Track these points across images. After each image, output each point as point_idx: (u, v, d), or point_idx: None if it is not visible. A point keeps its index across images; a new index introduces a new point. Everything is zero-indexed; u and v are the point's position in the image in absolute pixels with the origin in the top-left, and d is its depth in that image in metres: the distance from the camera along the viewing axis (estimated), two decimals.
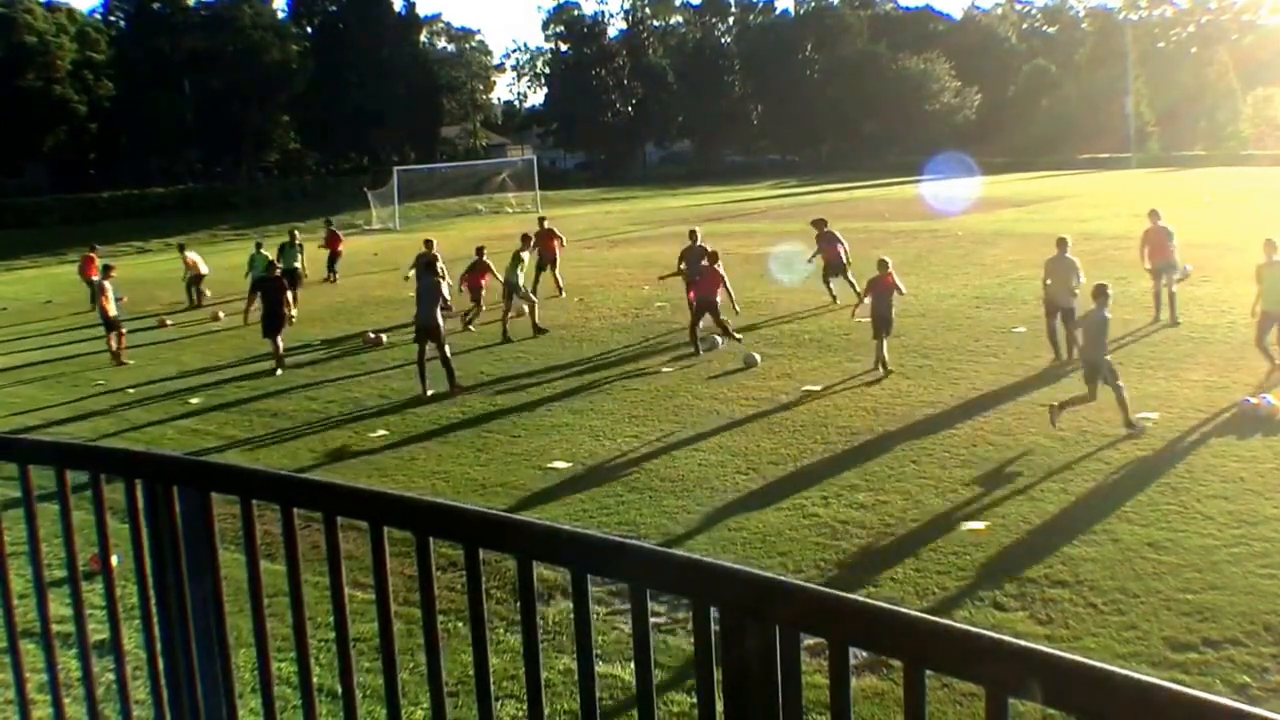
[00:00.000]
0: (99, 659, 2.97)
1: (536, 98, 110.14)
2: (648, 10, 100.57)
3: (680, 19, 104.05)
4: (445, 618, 7.09)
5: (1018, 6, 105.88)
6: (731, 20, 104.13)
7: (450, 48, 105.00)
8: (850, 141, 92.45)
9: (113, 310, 20.66)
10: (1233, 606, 7.64)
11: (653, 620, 1.89)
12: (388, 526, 2.18)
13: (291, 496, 2.33)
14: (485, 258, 21.52)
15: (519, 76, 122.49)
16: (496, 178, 68.22)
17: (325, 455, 13.31)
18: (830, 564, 8.99)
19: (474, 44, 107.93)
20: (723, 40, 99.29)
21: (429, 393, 15.73)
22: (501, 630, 7.58)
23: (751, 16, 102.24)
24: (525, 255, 21.53)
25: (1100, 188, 51.06)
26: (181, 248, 30.91)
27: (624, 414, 14.23)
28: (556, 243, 24.97)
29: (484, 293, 21.77)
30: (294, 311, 19.63)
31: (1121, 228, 30.51)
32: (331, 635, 2.38)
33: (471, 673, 2.13)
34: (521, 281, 21.12)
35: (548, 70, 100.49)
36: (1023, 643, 1.45)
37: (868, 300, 15.91)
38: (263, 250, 28.49)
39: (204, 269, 29.20)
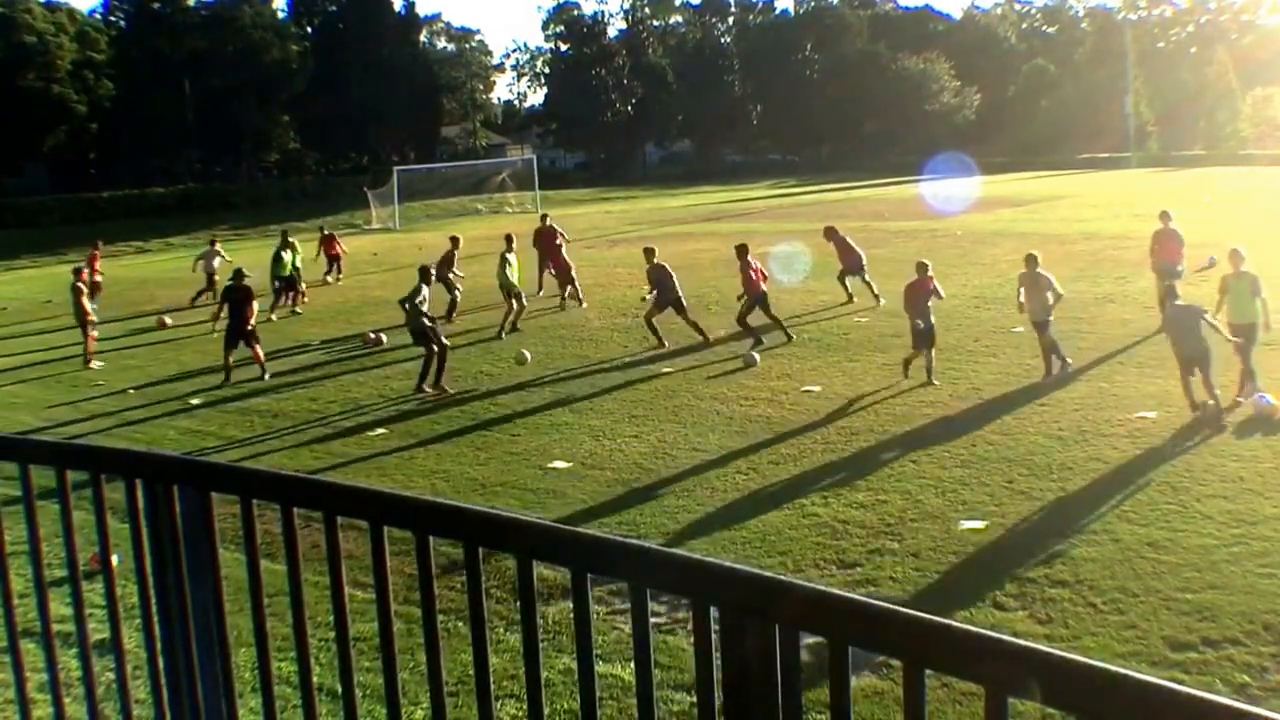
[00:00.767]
0: (99, 658, 2.97)
1: (536, 98, 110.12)
2: (647, 10, 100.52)
3: (680, 19, 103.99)
4: (445, 617, 7.11)
5: (1017, 6, 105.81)
6: (731, 20, 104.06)
7: (450, 47, 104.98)
8: (850, 141, 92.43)
9: (90, 313, 20.57)
10: (1232, 606, 7.64)
11: (652, 620, 1.89)
12: (388, 526, 2.19)
13: (291, 496, 2.33)
14: (456, 249, 22.88)
15: (519, 76, 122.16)
16: (496, 178, 68.20)
17: (325, 455, 13.32)
18: (830, 564, 8.99)
19: (474, 44, 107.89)
20: (723, 40, 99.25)
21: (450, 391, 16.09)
22: (501, 630, 7.59)
23: (751, 16, 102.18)
24: (511, 256, 21.28)
25: (1100, 187, 51.05)
26: (213, 243, 30.65)
27: (624, 414, 14.23)
28: (560, 240, 24.91)
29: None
30: (274, 315, 18.92)
31: (1121, 228, 30.53)
32: (331, 635, 2.39)
33: (471, 672, 2.13)
34: (514, 280, 21.08)
35: (548, 70, 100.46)
36: (1022, 642, 1.45)
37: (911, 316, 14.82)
38: (290, 239, 28.49)
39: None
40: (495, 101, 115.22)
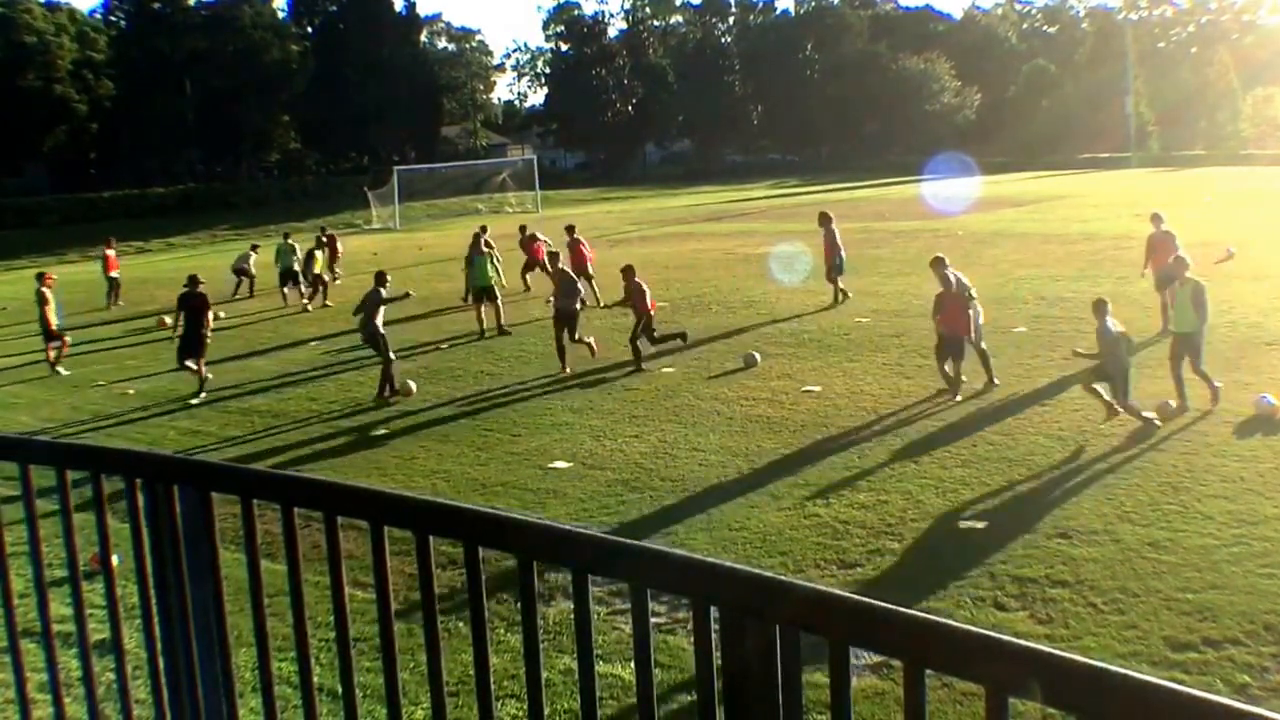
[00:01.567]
0: (99, 658, 2.97)
1: (537, 98, 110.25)
2: (648, 10, 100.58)
3: (680, 19, 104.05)
4: (445, 617, 7.11)
5: (1018, 6, 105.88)
6: (732, 20, 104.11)
7: (450, 47, 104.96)
8: (850, 141, 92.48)
9: (54, 320, 20.31)
10: (1233, 606, 7.64)
11: (653, 620, 1.89)
12: (388, 526, 2.19)
13: (292, 496, 2.33)
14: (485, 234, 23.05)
15: (519, 76, 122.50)
16: (497, 177, 68.26)
17: (325, 455, 13.32)
18: (830, 564, 8.99)
19: (474, 44, 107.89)
20: (723, 40, 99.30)
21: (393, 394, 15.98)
22: (502, 630, 7.59)
23: (752, 16, 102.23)
24: (485, 256, 21.28)
25: (1100, 187, 51.07)
26: (254, 248, 30.78)
27: (624, 414, 14.23)
28: (540, 247, 25.17)
29: None
30: (209, 332, 17.65)
31: (1122, 228, 30.53)
32: (332, 635, 2.38)
33: (472, 672, 2.13)
34: (495, 281, 21.14)
35: (548, 70, 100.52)
36: (1023, 643, 1.45)
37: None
38: (290, 240, 28.73)
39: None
40: (496, 101, 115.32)
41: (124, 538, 2.67)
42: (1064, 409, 12.95)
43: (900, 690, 1.62)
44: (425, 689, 2.21)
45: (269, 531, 2.60)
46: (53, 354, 20.25)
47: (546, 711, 2.09)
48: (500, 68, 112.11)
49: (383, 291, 16.37)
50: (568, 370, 16.67)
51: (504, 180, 67.06)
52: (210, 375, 17.23)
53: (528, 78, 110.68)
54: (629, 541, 1.91)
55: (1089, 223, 33.78)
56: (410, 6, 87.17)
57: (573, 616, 1.97)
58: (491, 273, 21.26)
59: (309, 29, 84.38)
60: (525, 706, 2.11)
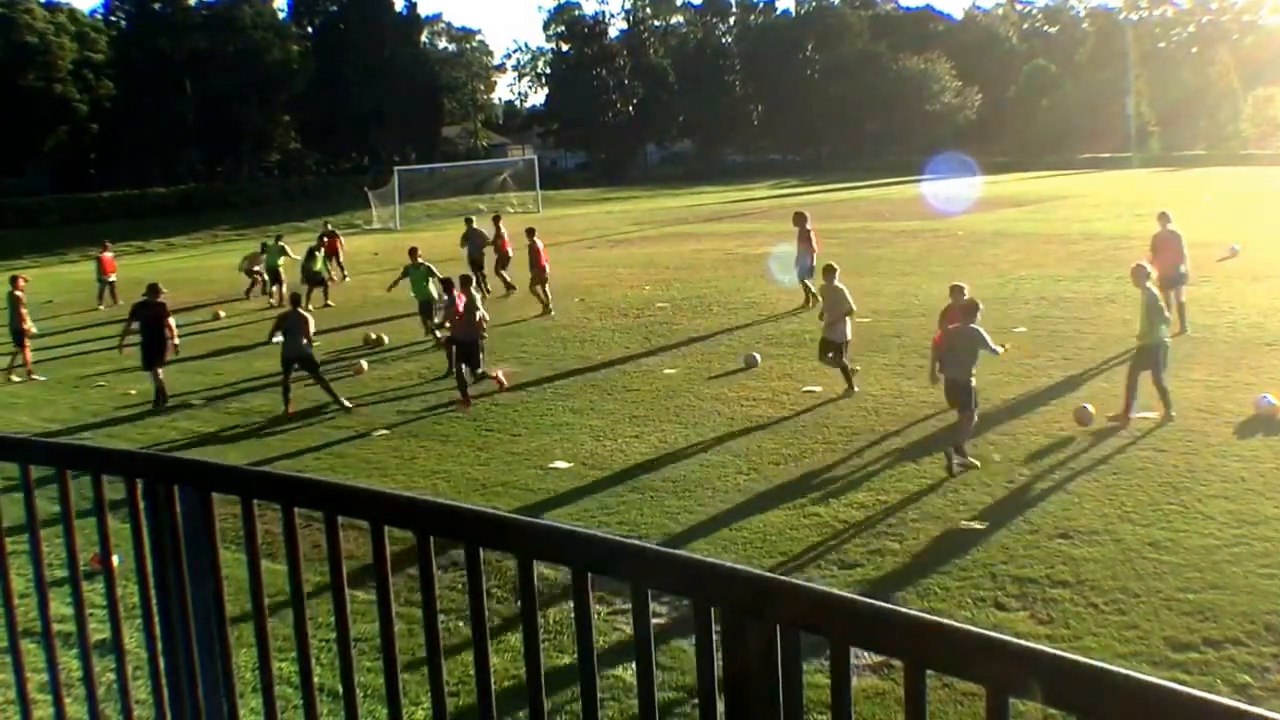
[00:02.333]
0: (100, 659, 2.97)
1: (537, 98, 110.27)
2: (648, 10, 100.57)
3: (681, 19, 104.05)
4: (446, 617, 7.11)
5: (1018, 6, 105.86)
6: (732, 20, 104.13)
7: (451, 48, 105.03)
8: (851, 141, 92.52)
9: (28, 324, 19.92)
10: (1233, 606, 7.64)
11: (653, 621, 1.89)
12: (388, 526, 2.19)
13: (292, 496, 2.33)
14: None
15: (520, 77, 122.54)
16: (497, 178, 68.25)
17: (326, 455, 13.32)
18: (830, 564, 8.99)
19: (475, 44, 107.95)
20: (723, 40, 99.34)
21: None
22: (502, 629, 7.58)
23: (752, 16, 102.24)
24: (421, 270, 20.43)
25: (1101, 187, 51.06)
26: (279, 239, 30.57)
27: (625, 414, 14.23)
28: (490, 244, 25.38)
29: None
30: (176, 340, 17.13)
31: (1123, 228, 30.54)
32: (332, 635, 2.38)
33: (472, 673, 2.13)
34: (436, 297, 19.40)
35: (549, 70, 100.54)
36: (1023, 643, 1.45)
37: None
38: (280, 242, 28.64)
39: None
40: (496, 102, 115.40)
41: (124, 538, 2.67)
42: (1064, 409, 12.94)
43: (900, 690, 1.62)
44: (425, 689, 2.21)
45: (269, 531, 2.60)
46: (30, 357, 19.92)
47: (547, 710, 2.08)
48: (501, 68, 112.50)
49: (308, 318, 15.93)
50: (470, 407, 15.01)
51: (504, 180, 67.05)
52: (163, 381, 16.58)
53: (528, 78, 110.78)
54: (629, 541, 1.91)
55: (1089, 223, 33.78)
56: (411, 7, 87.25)
57: (573, 616, 1.97)
58: (430, 286, 19.98)
59: (309, 29, 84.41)
60: (525, 707, 2.10)
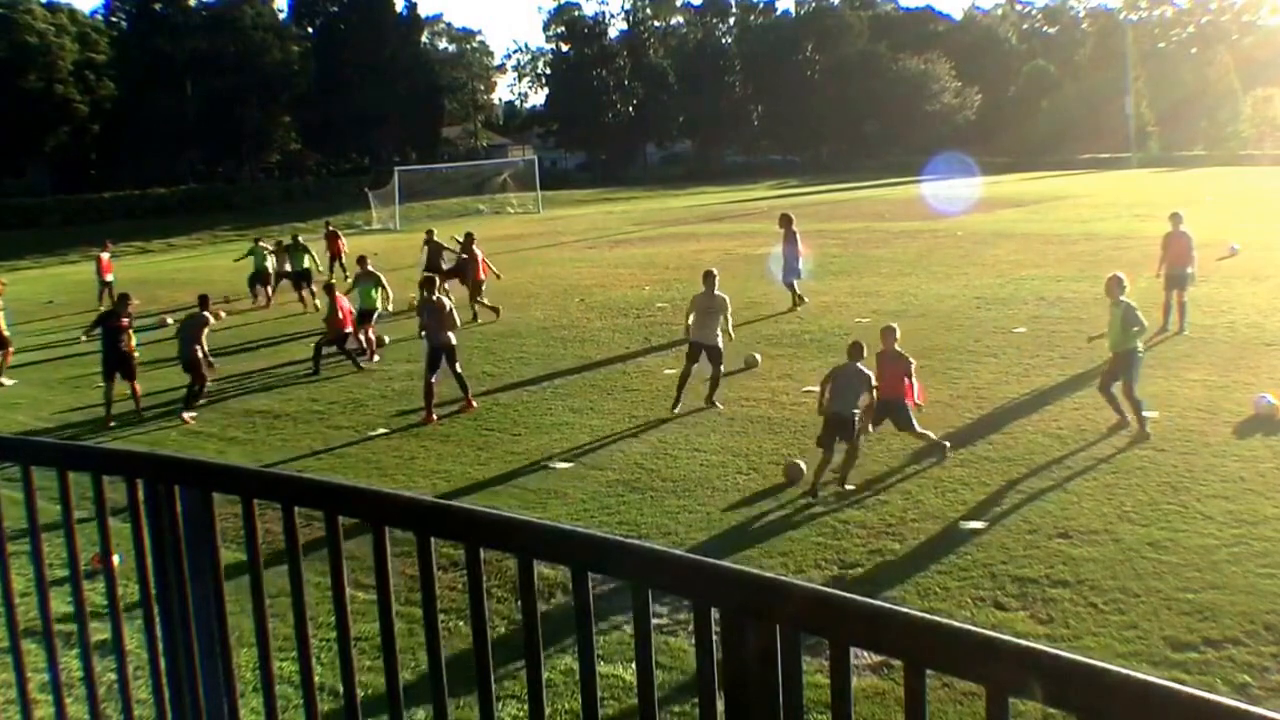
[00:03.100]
0: (100, 658, 2.97)
1: (537, 98, 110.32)
2: (648, 11, 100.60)
3: (681, 19, 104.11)
4: (446, 617, 7.11)
5: (1018, 7, 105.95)
6: (732, 20, 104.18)
7: (451, 48, 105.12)
8: (851, 141, 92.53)
9: (4, 327, 19.72)
10: (1233, 606, 7.64)
11: (653, 621, 1.89)
12: (389, 526, 2.19)
13: (293, 496, 2.33)
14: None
15: (520, 77, 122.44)
16: (498, 178, 68.26)
17: (326, 455, 13.32)
18: (830, 564, 8.99)
19: (475, 45, 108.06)
20: (723, 40, 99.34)
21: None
22: (502, 629, 7.58)
23: (752, 17, 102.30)
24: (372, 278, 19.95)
25: (1101, 188, 51.07)
26: (296, 238, 30.44)
27: (625, 414, 14.23)
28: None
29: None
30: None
31: (1122, 228, 30.55)
32: (333, 635, 2.39)
33: (472, 672, 2.13)
34: (379, 308, 19.58)
35: (549, 71, 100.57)
36: (1023, 642, 1.45)
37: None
38: (261, 244, 28.62)
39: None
40: (496, 102, 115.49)
41: (125, 538, 2.68)
42: (1064, 409, 12.95)
43: (900, 690, 1.62)
44: (425, 689, 2.21)
45: (270, 531, 2.60)
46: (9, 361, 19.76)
47: (547, 712, 2.09)
48: (501, 68, 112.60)
49: (208, 315, 16.17)
50: (434, 418, 14.50)
51: (505, 181, 67.06)
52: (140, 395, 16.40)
53: (528, 78, 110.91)
54: (629, 542, 1.91)
55: (1089, 223, 33.78)
56: (411, 7, 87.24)
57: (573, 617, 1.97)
58: (377, 296, 19.64)
59: (310, 30, 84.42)
60: (525, 707, 2.10)
